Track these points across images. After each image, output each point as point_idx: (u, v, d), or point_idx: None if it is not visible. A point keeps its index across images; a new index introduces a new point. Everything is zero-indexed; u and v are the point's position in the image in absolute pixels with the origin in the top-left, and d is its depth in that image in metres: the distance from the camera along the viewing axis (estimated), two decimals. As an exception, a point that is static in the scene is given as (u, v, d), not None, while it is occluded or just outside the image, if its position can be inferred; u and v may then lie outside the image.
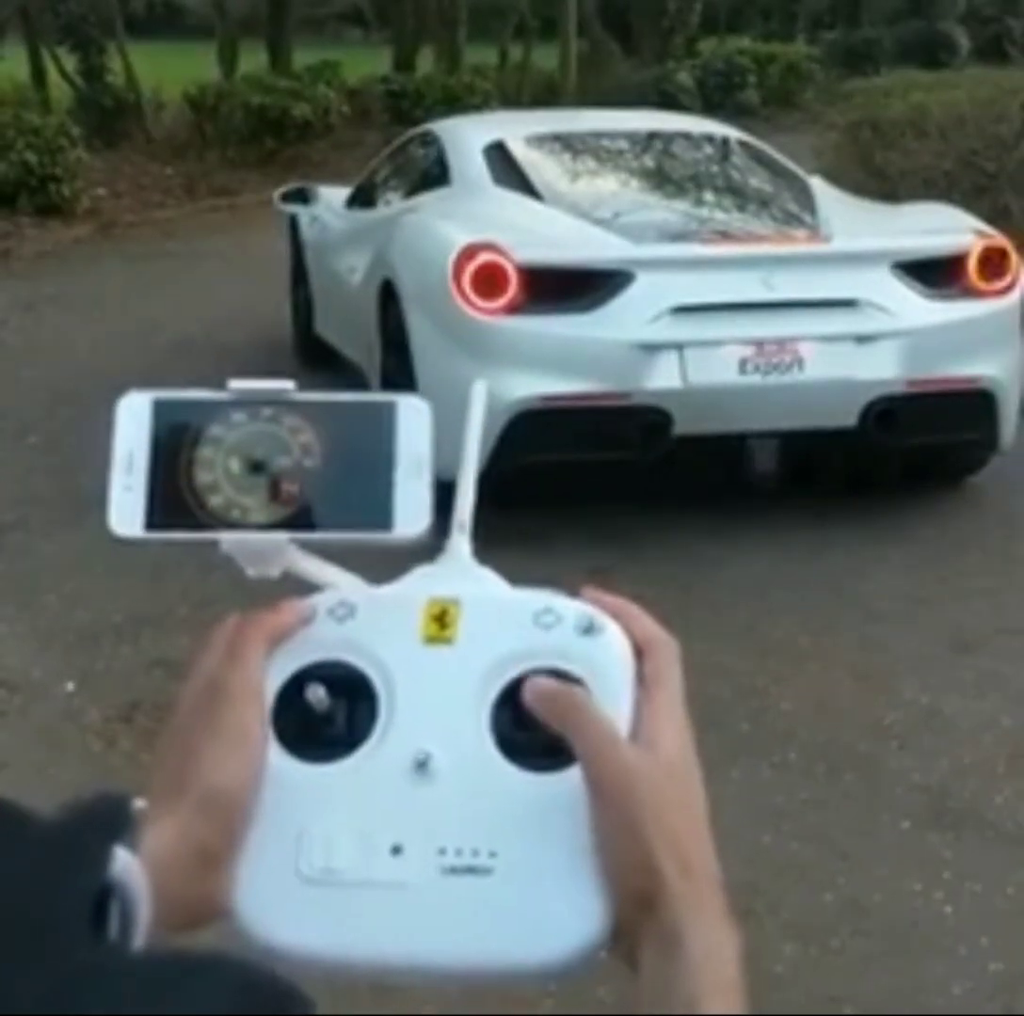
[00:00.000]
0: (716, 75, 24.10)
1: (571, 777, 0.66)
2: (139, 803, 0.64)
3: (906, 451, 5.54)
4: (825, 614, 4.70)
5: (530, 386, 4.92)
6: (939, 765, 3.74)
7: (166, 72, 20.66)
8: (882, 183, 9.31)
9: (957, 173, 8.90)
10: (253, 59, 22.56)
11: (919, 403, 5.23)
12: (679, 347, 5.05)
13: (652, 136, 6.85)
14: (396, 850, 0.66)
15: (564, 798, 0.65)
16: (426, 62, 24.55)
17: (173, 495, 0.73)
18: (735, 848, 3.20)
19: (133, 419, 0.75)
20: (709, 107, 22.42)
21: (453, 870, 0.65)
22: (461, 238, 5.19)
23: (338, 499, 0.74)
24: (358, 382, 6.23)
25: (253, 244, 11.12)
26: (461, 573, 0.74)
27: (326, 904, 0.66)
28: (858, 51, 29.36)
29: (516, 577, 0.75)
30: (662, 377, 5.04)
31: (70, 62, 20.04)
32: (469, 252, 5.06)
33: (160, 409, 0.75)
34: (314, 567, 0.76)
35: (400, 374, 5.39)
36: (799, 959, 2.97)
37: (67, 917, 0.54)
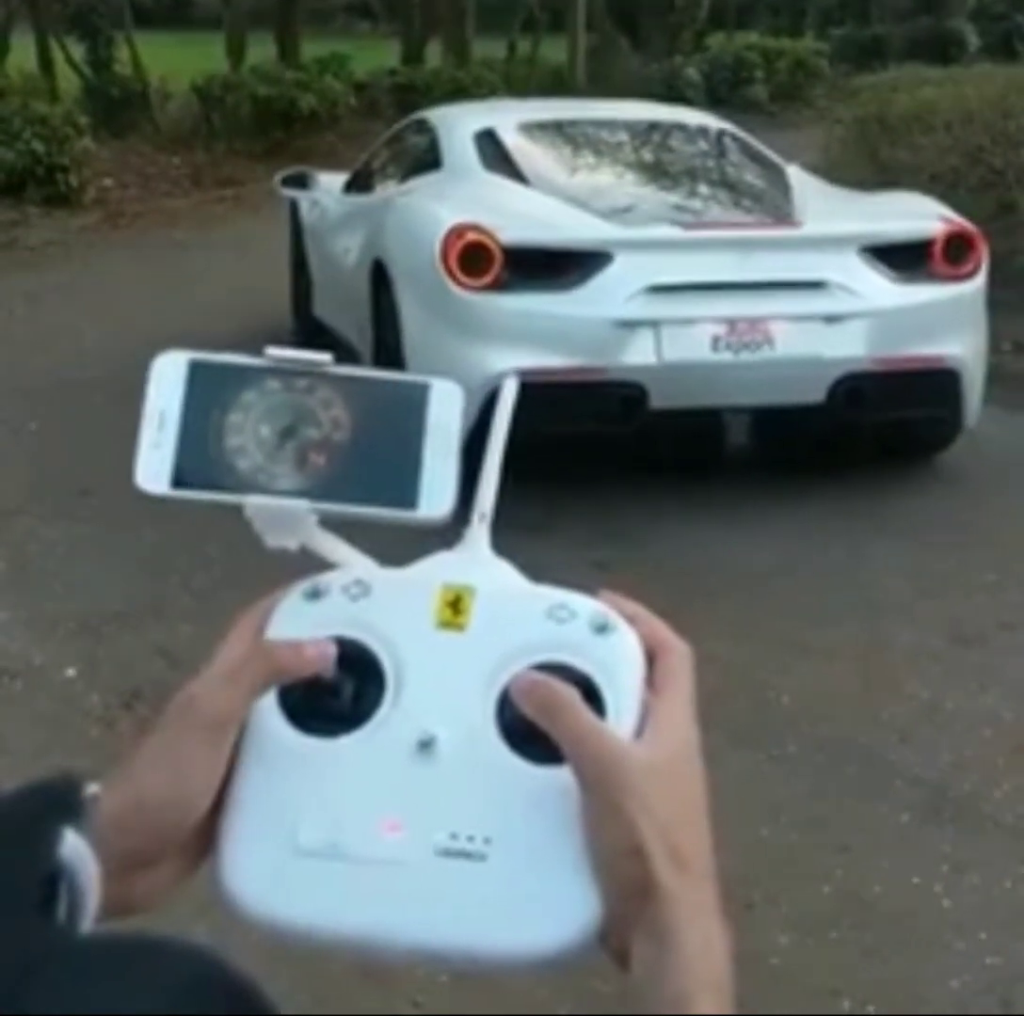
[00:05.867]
0: (724, 70, 24.08)
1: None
2: (93, 788, 0.63)
3: (875, 427, 5.75)
4: (827, 607, 4.70)
5: (512, 360, 4.99)
6: (939, 759, 3.73)
7: (174, 63, 20.68)
8: (889, 178, 9.29)
9: (964, 169, 8.88)
10: (261, 51, 22.57)
11: (885, 380, 5.42)
12: (654, 324, 5.24)
13: (637, 125, 7.07)
14: (392, 828, 0.66)
15: (564, 790, 0.65)
16: (434, 55, 24.55)
17: (201, 455, 0.73)
18: (734, 840, 3.19)
19: (167, 378, 0.74)
20: (716, 102, 22.37)
21: (448, 852, 0.65)
22: (449, 219, 5.38)
23: (364, 474, 0.74)
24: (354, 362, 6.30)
25: (258, 234, 11.12)
26: (478, 562, 0.74)
27: (318, 878, 0.66)
28: (867, 47, 29.33)
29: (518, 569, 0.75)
30: (638, 353, 5.24)
31: (78, 52, 20.06)
32: (456, 232, 5.27)
33: (195, 370, 0.74)
34: (331, 545, 0.75)
35: (390, 348, 5.64)
36: (797, 951, 2.97)
37: (13, 899, 0.52)
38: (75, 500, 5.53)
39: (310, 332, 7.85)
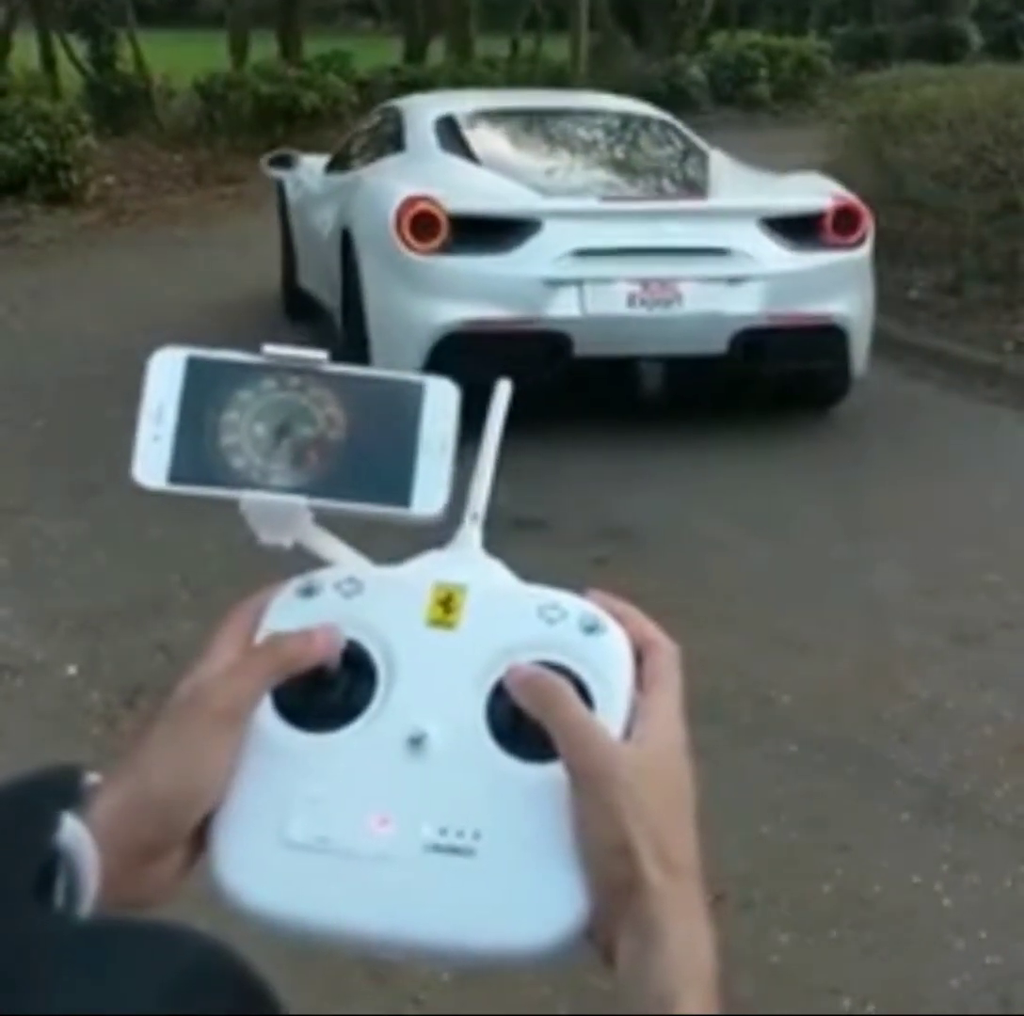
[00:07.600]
0: (727, 69, 24.05)
1: (561, 768, 0.66)
2: (93, 777, 0.63)
3: (772, 376, 6.62)
4: (827, 606, 4.70)
5: (456, 312, 5.96)
6: (939, 758, 3.73)
7: (176, 61, 20.68)
8: (891, 177, 9.29)
9: (967, 168, 8.86)
10: (264, 49, 22.57)
11: (780, 335, 6.23)
12: (579, 283, 6.04)
13: (582, 113, 7.92)
14: (382, 823, 0.66)
15: (552, 788, 0.66)
16: (437, 53, 24.54)
17: (198, 451, 0.74)
18: (734, 839, 3.19)
19: (165, 374, 0.75)
20: (720, 100, 22.40)
21: (437, 848, 0.66)
22: (403, 191, 6.19)
23: (359, 472, 0.74)
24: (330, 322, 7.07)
25: (259, 230, 11.10)
26: (470, 561, 0.75)
27: (308, 872, 0.66)
28: (870, 46, 29.30)
29: (516, 567, 0.76)
30: (564, 307, 6.05)
31: (80, 49, 20.06)
32: (409, 202, 6.08)
33: (193, 367, 0.75)
34: (324, 543, 0.76)
35: (355, 304, 6.45)
36: (797, 950, 2.97)
37: (11, 882, 0.53)
38: (77, 498, 5.53)
39: (295, 301, 8.55)
